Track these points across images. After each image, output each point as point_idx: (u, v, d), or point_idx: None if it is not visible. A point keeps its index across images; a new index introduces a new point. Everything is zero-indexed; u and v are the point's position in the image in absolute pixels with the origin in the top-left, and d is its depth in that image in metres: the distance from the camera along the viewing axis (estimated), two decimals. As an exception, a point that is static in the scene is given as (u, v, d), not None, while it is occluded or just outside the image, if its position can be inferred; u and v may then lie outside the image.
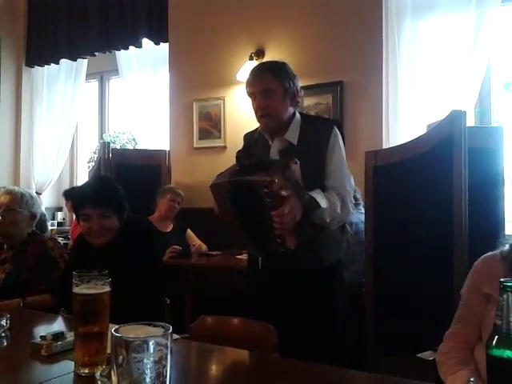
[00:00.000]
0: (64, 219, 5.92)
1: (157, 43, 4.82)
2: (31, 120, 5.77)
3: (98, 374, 1.07)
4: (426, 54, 3.73)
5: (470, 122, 3.31)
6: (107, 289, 1.32)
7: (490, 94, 3.63)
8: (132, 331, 0.86)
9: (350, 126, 3.75)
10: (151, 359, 0.82)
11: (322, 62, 3.96)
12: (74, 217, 2.31)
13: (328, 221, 1.94)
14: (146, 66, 5.07)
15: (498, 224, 2.57)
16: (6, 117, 5.66)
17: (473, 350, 1.47)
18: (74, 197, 2.22)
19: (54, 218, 5.82)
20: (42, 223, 2.71)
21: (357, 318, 2.83)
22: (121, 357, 0.82)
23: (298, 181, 1.85)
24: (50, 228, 4.84)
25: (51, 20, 5.50)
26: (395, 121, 3.74)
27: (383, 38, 3.75)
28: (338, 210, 1.97)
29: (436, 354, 1.55)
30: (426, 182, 2.58)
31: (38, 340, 1.48)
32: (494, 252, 1.51)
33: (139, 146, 5.31)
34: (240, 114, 4.21)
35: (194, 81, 4.60)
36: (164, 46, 4.80)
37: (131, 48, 4.95)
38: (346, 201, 2.01)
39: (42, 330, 1.63)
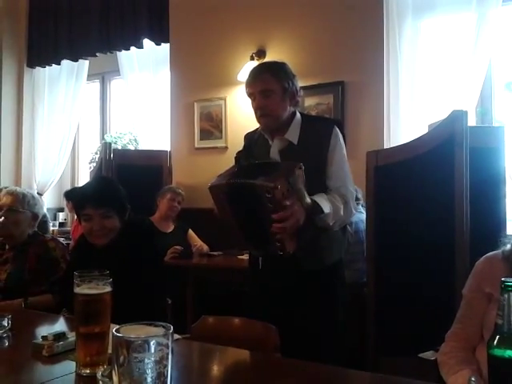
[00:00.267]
0: (65, 220, 5.93)
1: (158, 44, 4.82)
2: (33, 121, 5.78)
3: (99, 374, 1.07)
4: (427, 54, 3.72)
5: (472, 121, 3.30)
6: (108, 289, 1.32)
7: (491, 94, 3.63)
8: (133, 331, 0.86)
9: (351, 126, 3.75)
10: (152, 359, 0.82)
11: (323, 62, 3.96)
12: (75, 217, 2.31)
13: (331, 224, 1.95)
14: (147, 67, 5.06)
15: (500, 223, 2.57)
16: (8, 118, 5.67)
17: (474, 349, 1.47)
18: (75, 197, 2.22)
19: (55, 219, 5.82)
20: (43, 224, 2.70)
21: (358, 317, 2.83)
22: (122, 357, 0.82)
23: (302, 186, 1.85)
24: (51, 229, 4.83)
25: (52, 21, 5.50)
26: (396, 121, 3.73)
27: (384, 37, 3.74)
28: (341, 213, 1.97)
29: (438, 354, 1.55)
30: (428, 182, 2.58)
31: (40, 340, 1.48)
32: (496, 252, 1.50)
33: (140, 147, 5.31)
34: (241, 115, 4.21)
35: (195, 81, 4.60)
36: (165, 47, 4.80)
37: (132, 48, 4.95)
38: (349, 202, 2.00)
39: (44, 331, 1.63)
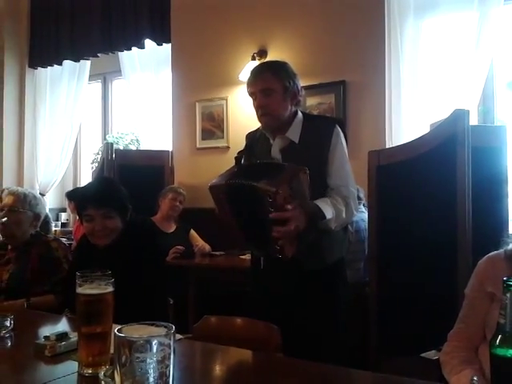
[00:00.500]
0: (67, 220, 5.93)
1: (159, 44, 4.83)
2: (34, 121, 5.79)
3: (101, 374, 1.07)
4: (428, 53, 3.72)
5: (474, 120, 3.30)
6: (110, 289, 1.32)
7: (493, 93, 3.62)
8: (135, 331, 0.86)
9: (352, 126, 3.75)
10: (154, 359, 0.82)
11: (325, 61, 3.96)
12: (77, 218, 2.32)
13: (333, 228, 1.95)
14: (148, 67, 5.07)
15: (502, 223, 2.56)
16: (10, 118, 5.68)
17: (477, 349, 1.46)
18: (76, 197, 2.23)
19: (57, 219, 5.83)
20: (45, 224, 2.70)
21: (360, 317, 2.82)
22: (124, 357, 0.82)
23: (305, 191, 1.85)
24: (53, 229, 4.84)
25: (54, 21, 5.51)
26: (398, 120, 3.73)
27: (386, 37, 3.74)
28: (343, 215, 1.97)
29: (440, 354, 1.55)
30: (430, 182, 2.57)
31: (42, 340, 1.48)
32: (498, 251, 1.50)
33: (142, 147, 5.31)
34: (243, 114, 4.21)
35: (196, 81, 4.60)
36: (166, 47, 4.80)
37: (134, 49, 4.95)
38: (350, 203, 2.00)
39: (46, 331, 1.64)
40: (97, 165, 5.16)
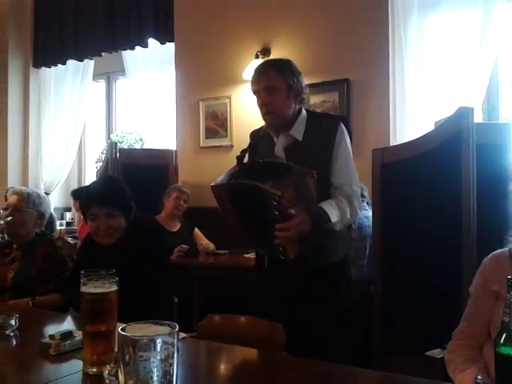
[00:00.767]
0: (72, 219, 5.95)
1: (163, 43, 4.83)
2: (39, 121, 5.80)
3: (105, 373, 1.08)
4: (432, 51, 3.70)
5: (478, 118, 3.28)
6: (114, 288, 1.33)
7: (497, 91, 3.60)
8: (139, 330, 0.86)
9: (356, 124, 3.74)
10: (158, 358, 0.83)
11: (328, 59, 3.95)
12: (82, 216, 2.32)
13: (338, 229, 1.94)
14: (152, 66, 5.07)
15: (507, 220, 2.55)
16: (14, 118, 5.70)
17: (481, 347, 1.46)
18: (81, 197, 2.23)
19: (62, 218, 5.85)
20: (50, 223, 2.71)
21: (365, 315, 2.82)
22: (128, 356, 0.82)
23: (312, 194, 1.84)
24: (58, 228, 4.85)
25: (58, 21, 5.52)
26: (402, 118, 3.72)
27: (389, 35, 3.73)
28: (348, 216, 1.97)
29: (444, 352, 1.54)
30: (434, 179, 2.57)
31: (47, 339, 1.48)
32: (503, 249, 1.49)
33: (146, 146, 5.32)
34: (246, 113, 4.21)
35: (200, 80, 4.60)
36: (170, 46, 4.80)
37: (137, 48, 4.95)
38: (354, 202, 2.00)
39: (51, 330, 1.64)
40: (101, 164, 5.17)
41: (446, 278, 2.45)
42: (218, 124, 4.51)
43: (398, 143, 3.54)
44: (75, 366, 1.34)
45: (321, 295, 2.01)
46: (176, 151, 4.74)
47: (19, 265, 2.46)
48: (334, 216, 1.88)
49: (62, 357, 1.42)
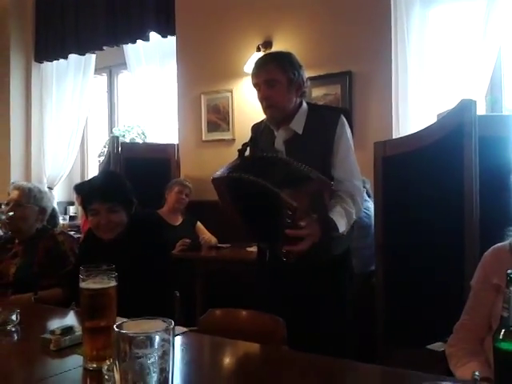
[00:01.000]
0: (75, 213, 5.96)
1: (164, 36, 4.81)
2: (41, 115, 5.80)
3: (104, 369, 1.08)
4: (435, 43, 3.67)
5: (481, 110, 3.26)
6: (113, 283, 1.33)
7: (501, 82, 3.58)
8: (135, 326, 0.86)
9: (359, 117, 3.72)
10: (154, 354, 0.82)
11: (331, 52, 3.93)
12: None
13: (344, 234, 1.92)
14: (153, 60, 5.06)
15: (510, 213, 2.54)
16: (17, 112, 5.70)
17: (482, 341, 1.46)
18: (82, 192, 2.23)
19: (65, 213, 5.86)
20: (52, 218, 2.71)
21: (367, 308, 2.82)
22: (123, 352, 0.82)
23: (325, 205, 1.83)
24: (61, 222, 4.86)
25: (59, 15, 5.51)
26: (405, 110, 3.70)
27: (392, 26, 3.70)
28: (354, 217, 1.96)
29: (446, 346, 1.54)
30: (436, 172, 2.55)
31: (47, 335, 1.49)
32: (504, 243, 1.49)
33: (148, 140, 5.31)
34: (248, 106, 4.19)
35: (201, 73, 4.59)
36: (171, 39, 4.78)
37: (139, 42, 4.94)
38: (357, 200, 1.98)
39: (53, 325, 1.65)
40: (104, 158, 5.17)
41: (448, 271, 2.44)
42: (220, 117, 4.50)
43: (401, 136, 3.52)
44: (75, 361, 1.35)
45: (323, 288, 2.01)
46: (178, 145, 4.73)
47: (21, 260, 2.47)
48: (342, 226, 1.87)
49: (62, 352, 1.42)
